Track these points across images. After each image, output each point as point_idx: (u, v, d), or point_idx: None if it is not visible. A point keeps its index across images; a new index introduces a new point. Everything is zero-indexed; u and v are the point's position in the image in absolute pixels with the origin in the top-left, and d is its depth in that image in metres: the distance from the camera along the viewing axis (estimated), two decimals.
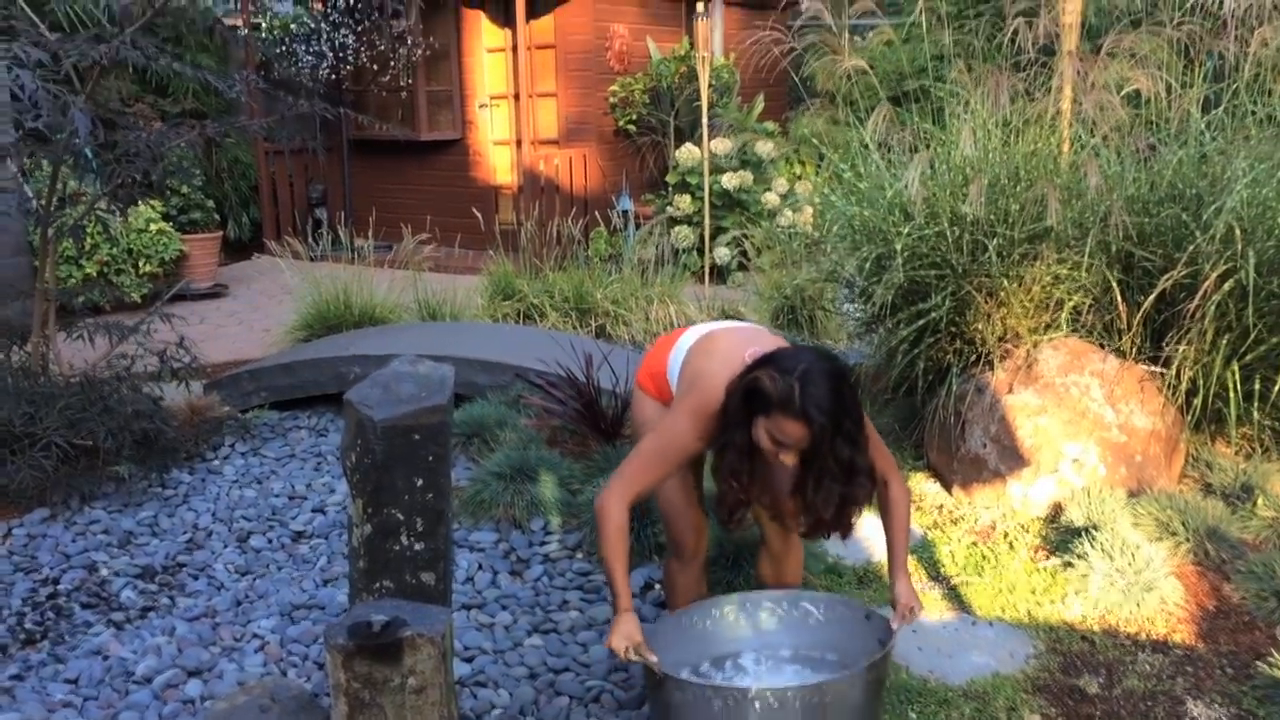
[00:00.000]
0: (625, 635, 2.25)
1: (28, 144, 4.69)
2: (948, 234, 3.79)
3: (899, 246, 3.80)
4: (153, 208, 7.43)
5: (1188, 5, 3.85)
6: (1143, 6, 4.16)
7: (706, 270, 7.89)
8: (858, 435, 2.23)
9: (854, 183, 4.27)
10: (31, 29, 4.21)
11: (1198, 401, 3.69)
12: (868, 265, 4.07)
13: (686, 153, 8.67)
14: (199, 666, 3.10)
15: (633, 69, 9.51)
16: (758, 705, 2.11)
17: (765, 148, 8.93)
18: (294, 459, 4.75)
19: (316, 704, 2.52)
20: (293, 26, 9.51)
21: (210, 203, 8.31)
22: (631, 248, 7.24)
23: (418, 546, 2.51)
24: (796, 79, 8.57)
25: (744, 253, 8.32)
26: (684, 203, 8.56)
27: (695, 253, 8.38)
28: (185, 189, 7.92)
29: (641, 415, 2.71)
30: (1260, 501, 3.50)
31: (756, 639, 2.55)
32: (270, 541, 4.00)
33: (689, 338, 2.63)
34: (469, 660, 3.10)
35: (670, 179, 8.85)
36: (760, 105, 9.82)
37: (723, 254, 8.33)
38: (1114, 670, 2.92)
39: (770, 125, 9.55)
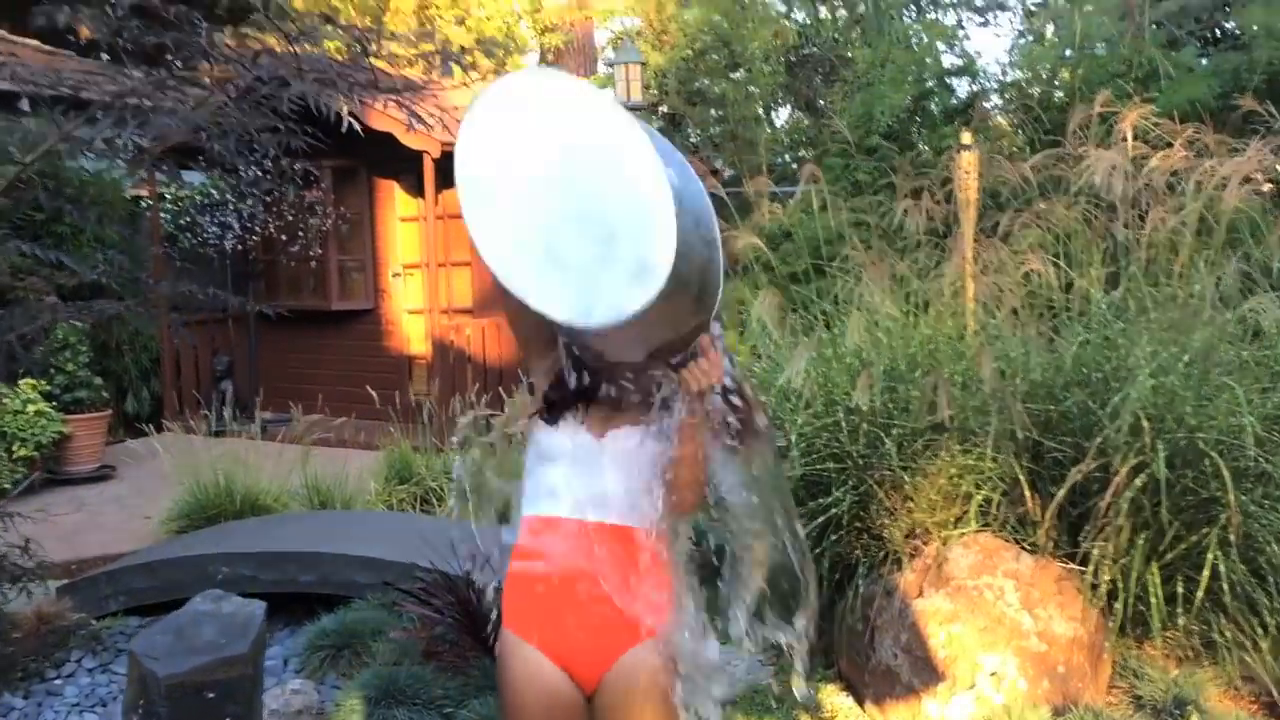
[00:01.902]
0: None
1: None
2: (844, 424, 3.56)
3: (794, 437, 3.55)
4: (32, 386, 7.02)
5: (1074, 187, 3.76)
6: (1033, 187, 4.08)
7: None
8: None
9: (748, 365, 4.06)
10: None
11: (1119, 604, 3.43)
12: None
13: None
14: None
15: None
16: None
17: None
18: None
19: None
20: (198, 197, 9.33)
21: (98, 380, 7.90)
22: None
23: None
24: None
25: None
26: None
27: None
28: (71, 366, 7.53)
29: None
30: (1194, 718, 3.20)
31: None
32: None
33: None
34: None
35: None
36: None
37: None
38: None
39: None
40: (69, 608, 4.58)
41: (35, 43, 11.99)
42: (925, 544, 3.60)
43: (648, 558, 2.09)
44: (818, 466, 3.67)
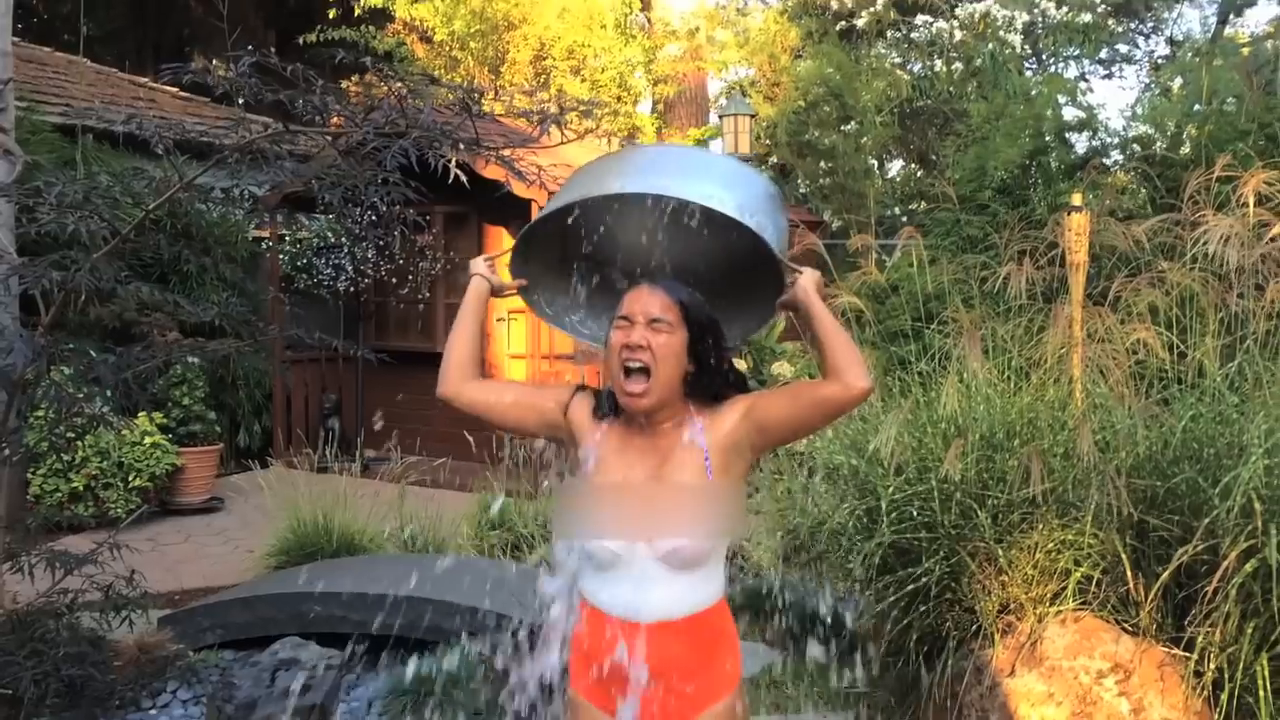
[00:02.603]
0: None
1: None
2: (936, 492, 3.46)
3: (884, 504, 3.47)
4: (150, 420, 7.32)
5: (1188, 254, 3.62)
6: (1145, 252, 3.93)
7: None
8: None
9: (842, 425, 3.99)
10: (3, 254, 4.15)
11: (1227, 694, 3.24)
12: (851, 519, 3.74)
13: None
14: None
15: None
16: None
17: (783, 369, 8.74)
18: None
19: None
20: (315, 241, 9.66)
21: (212, 414, 8.19)
22: None
23: None
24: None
25: (751, 483, 8.00)
26: None
27: None
28: (187, 400, 7.83)
29: None
30: None
31: None
32: None
33: None
34: None
35: None
36: (780, 325, 9.71)
37: None
38: None
39: (789, 346, 9.39)
40: (168, 638, 4.71)
41: (174, 90, 12.67)
42: (1019, 620, 3.46)
43: (715, 633, 2.07)
44: (908, 535, 3.57)
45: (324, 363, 10.00)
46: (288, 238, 9.69)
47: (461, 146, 3.98)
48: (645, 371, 2.04)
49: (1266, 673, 3.14)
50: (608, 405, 2.17)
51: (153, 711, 4.32)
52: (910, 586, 3.53)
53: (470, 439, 7.17)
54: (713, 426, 2.10)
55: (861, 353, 2.06)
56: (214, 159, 4.37)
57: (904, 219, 14.78)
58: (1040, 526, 3.43)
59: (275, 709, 2.12)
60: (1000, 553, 3.42)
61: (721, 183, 2.11)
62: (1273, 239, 3.69)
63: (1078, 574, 3.45)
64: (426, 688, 4.09)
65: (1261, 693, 3.14)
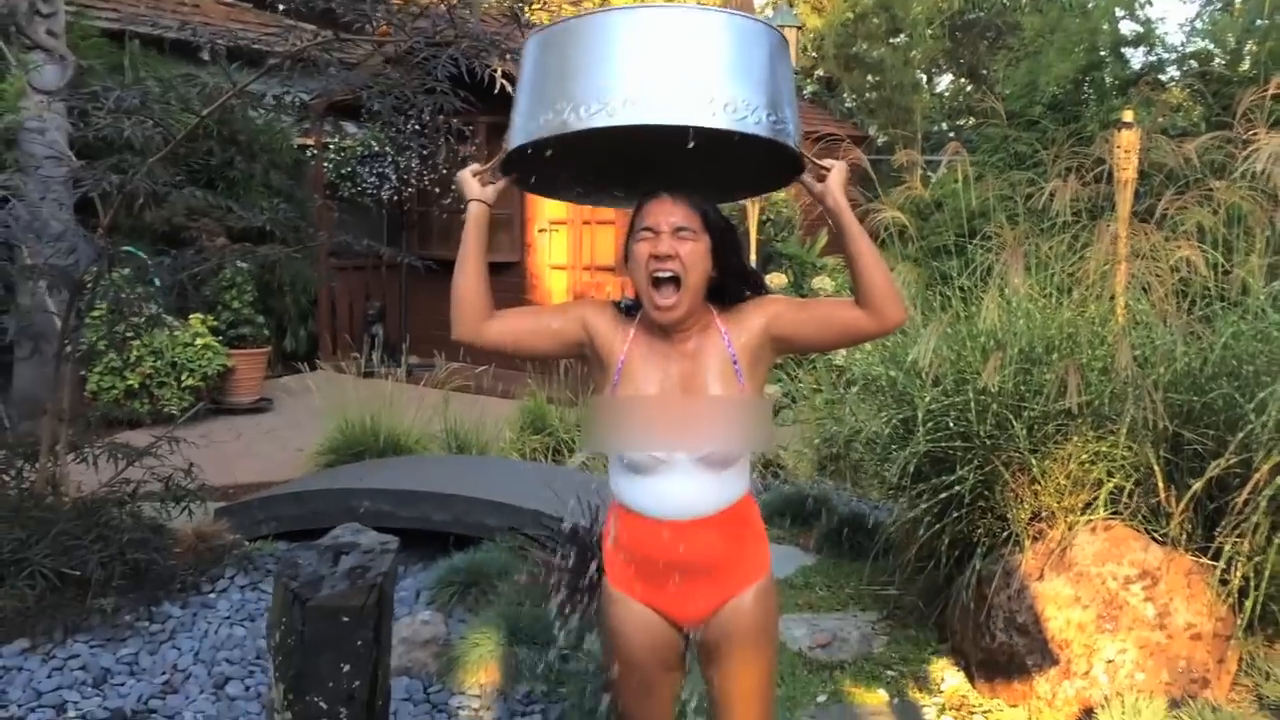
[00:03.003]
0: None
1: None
2: (973, 403, 3.52)
3: (920, 414, 3.54)
4: (201, 322, 7.50)
5: (1237, 172, 3.60)
6: (1195, 170, 3.91)
7: None
8: None
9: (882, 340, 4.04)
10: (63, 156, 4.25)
11: (1252, 602, 3.32)
12: (888, 429, 3.81)
13: None
14: None
15: None
16: None
17: (824, 284, 8.76)
18: None
19: None
20: (359, 149, 9.71)
21: (260, 318, 8.38)
22: None
23: None
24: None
25: (790, 393, 8.08)
26: None
27: None
28: (236, 304, 8.00)
29: None
30: None
31: None
32: (247, 689, 3.80)
33: None
34: None
35: None
36: (823, 240, 9.69)
37: (771, 390, 8.09)
38: None
39: (832, 260, 9.40)
40: (225, 528, 4.93)
41: None
42: (1050, 528, 3.55)
43: (745, 524, 2.16)
44: (944, 444, 3.64)
45: (369, 270, 10.13)
46: (332, 146, 9.76)
47: (509, 56, 4.01)
48: (675, 281, 2.04)
49: None
50: (630, 313, 2.17)
51: (211, 595, 4.54)
52: (944, 494, 3.62)
53: None
54: (736, 331, 2.11)
55: (899, 271, 2.06)
56: (267, 66, 4.43)
57: (951, 135, 14.55)
58: (1075, 438, 3.48)
59: (341, 585, 2.25)
60: (1034, 463, 3.49)
61: (729, 74, 1.89)
62: None
63: (1110, 485, 3.52)
64: (472, 579, 4.27)
65: None
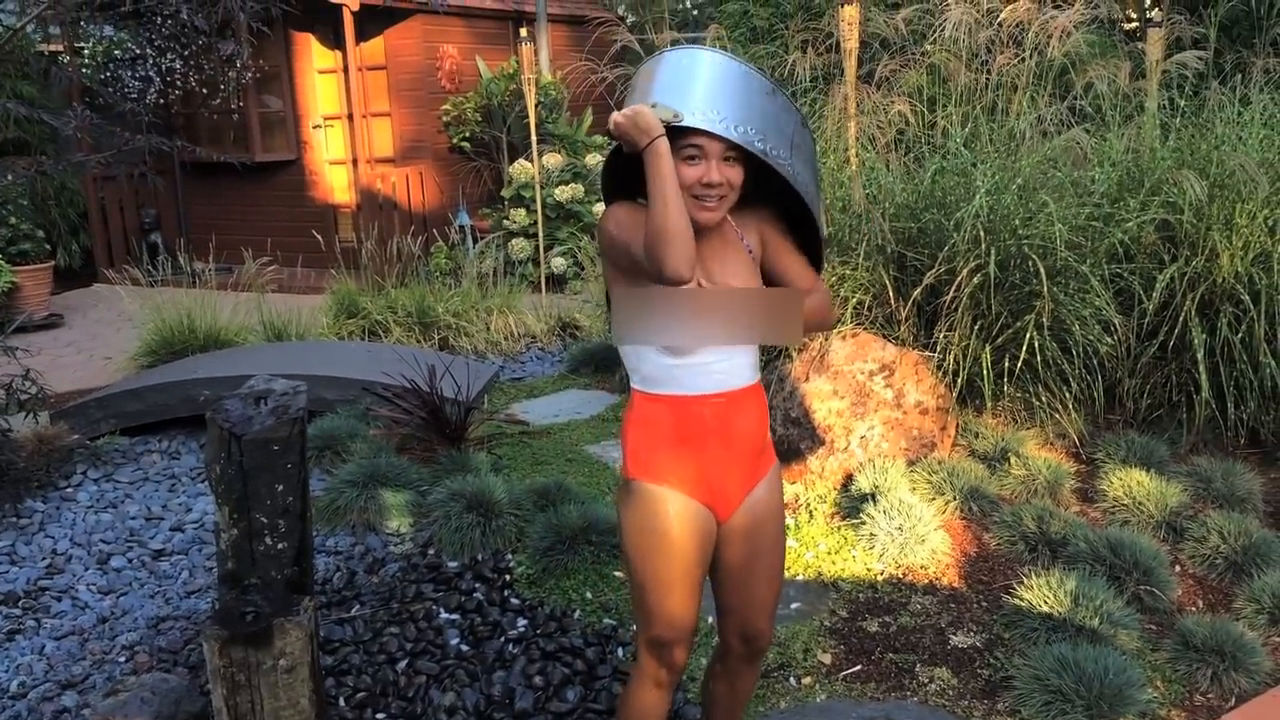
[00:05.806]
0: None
1: None
2: None
3: None
4: None
5: (943, 37, 4.46)
6: (904, 36, 4.75)
7: (543, 280, 8.28)
8: None
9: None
10: None
11: (961, 379, 4.30)
12: None
13: (519, 168, 9.05)
14: (71, 679, 3.31)
15: (464, 88, 9.82)
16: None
17: (594, 160, 9.38)
18: (148, 482, 4.92)
19: (194, 693, 2.80)
20: (116, 52, 9.45)
21: (40, 233, 8.23)
22: (471, 262, 7.57)
23: (281, 545, 2.83)
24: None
25: (578, 262, 8.76)
26: (519, 216, 8.93)
27: (532, 264, 8.77)
28: (14, 220, 7.85)
29: None
30: (1013, 462, 4.12)
31: None
32: (130, 561, 4.18)
33: None
34: (332, 652, 3.41)
35: (505, 194, 9.21)
36: (589, 119, 10.28)
37: (559, 264, 8.74)
38: (892, 611, 3.45)
39: (599, 139, 10.01)
40: (65, 431, 5.18)
41: None
42: (810, 340, 4.40)
43: (766, 404, 2.34)
44: None
45: (139, 179, 9.94)
46: (86, 51, 9.44)
47: None
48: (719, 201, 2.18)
49: (989, 359, 4.21)
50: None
51: (69, 490, 4.83)
52: None
53: (319, 236, 7.55)
54: (744, 229, 2.30)
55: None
56: None
57: (694, 12, 15.27)
58: (824, 266, 4.32)
59: (269, 420, 2.76)
60: None
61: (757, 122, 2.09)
62: (999, 24, 4.58)
63: (854, 300, 4.40)
64: (325, 444, 4.76)
65: (986, 374, 4.21)
